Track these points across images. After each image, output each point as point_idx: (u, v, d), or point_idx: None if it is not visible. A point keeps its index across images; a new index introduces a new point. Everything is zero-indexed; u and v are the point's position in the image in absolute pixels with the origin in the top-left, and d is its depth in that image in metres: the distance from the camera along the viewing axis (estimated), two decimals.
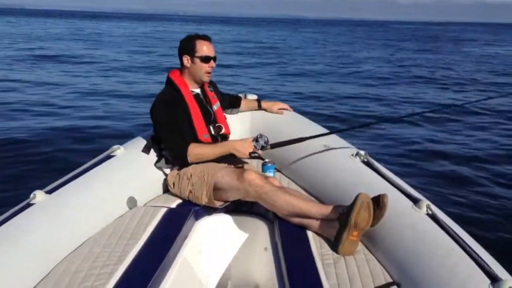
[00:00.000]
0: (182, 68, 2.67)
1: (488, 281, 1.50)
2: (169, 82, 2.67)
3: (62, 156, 5.00)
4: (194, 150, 2.51)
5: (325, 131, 2.97)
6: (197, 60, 2.59)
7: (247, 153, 2.50)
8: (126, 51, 19.67)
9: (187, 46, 2.60)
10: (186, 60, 2.61)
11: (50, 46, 19.93)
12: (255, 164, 2.99)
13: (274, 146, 2.58)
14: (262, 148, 2.52)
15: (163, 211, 2.34)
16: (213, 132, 2.68)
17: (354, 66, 15.94)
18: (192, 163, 2.55)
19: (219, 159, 2.58)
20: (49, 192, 2.15)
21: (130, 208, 2.40)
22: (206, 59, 2.59)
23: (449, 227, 1.81)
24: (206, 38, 2.63)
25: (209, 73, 2.65)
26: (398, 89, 10.85)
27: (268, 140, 2.54)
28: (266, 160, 2.80)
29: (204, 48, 2.58)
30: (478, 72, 14.76)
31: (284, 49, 24.24)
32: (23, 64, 13.70)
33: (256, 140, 2.52)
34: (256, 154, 2.50)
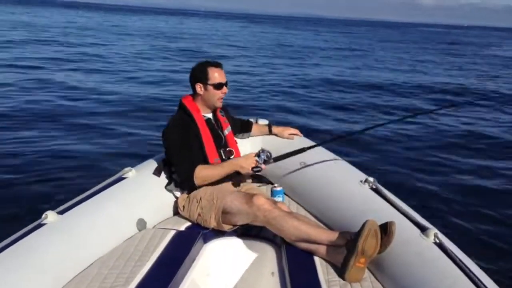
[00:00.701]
0: (194, 94, 2.72)
1: None
2: (182, 107, 2.73)
3: None
4: (200, 173, 2.54)
5: (334, 156, 2.99)
6: (210, 88, 2.64)
7: (250, 169, 2.52)
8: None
9: (199, 74, 2.65)
10: (199, 87, 2.66)
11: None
12: (265, 189, 3.02)
13: (277, 159, 2.60)
14: (265, 162, 2.53)
15: (172, 233, 2.36)
16: (223, 157, 2.72)
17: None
18: (201, 186, 2.58)
19: (227, 178, 2.61)
20: (61, 212, 2.19)
21: (140, 230, 2.42)
22: (219, 86, 2.64)
23: (456, 256, 1.80)
24: (217, 65, 2.68)
25: (221, 98, 2.70)
26: None
27: (270, 155, 2.55)
28: (275, 185, 2.83)
29: (216, 75, 2.63)
30: None
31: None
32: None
33: (258, 155, 2.54)
34: (259, 169, 2.51)
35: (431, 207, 4.45)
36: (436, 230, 1.98)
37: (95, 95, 9.61)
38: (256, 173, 2.53)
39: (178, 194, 2.70)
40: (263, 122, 3.39)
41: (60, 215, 2.17)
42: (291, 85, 12.53)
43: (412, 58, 22.72)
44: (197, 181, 2.54)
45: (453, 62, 21.63)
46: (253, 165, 2.51)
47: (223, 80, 2.66)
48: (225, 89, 2.67)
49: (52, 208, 2.22)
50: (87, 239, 2.15)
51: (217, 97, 2.67)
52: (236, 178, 2.63)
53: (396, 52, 25.88)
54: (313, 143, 3.22)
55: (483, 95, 12.10)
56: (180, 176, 2.62)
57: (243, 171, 2.55)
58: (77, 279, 1.94)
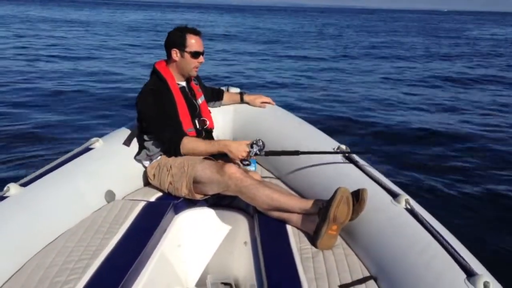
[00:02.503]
0: (168, 60, 2.63)
1: (464, 275, 1.50)
2: (155, 73, 2.63)
3: None
4: (188, 144, 2.48)
5: (307, 124, 2.97)
6: (186, 55, 2.55)
7: (239, 157, 2.43)
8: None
9: (177, 40, 2.55)
10: (175, 53, 2.56)
11: None
12: None
13: (269, 154, 2.47)
14: (256, 154, 2.42)
15: (141, 204, 2.31)
16: (197, 126, 2.66)
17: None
18: (174, 156, 2.53)
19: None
20: (24, 185, 2.11)
21: (108, 202, 2.36)
22: (196, 55, 2.56)
23: (427, 221, 1.81)
24: (196, 32, 2.58)
25: (197, 68, 2.61)
26: None
27: (263, 147, 2.44)
28: None
29: (194, 43, 2.54)
30: None
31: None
32: None
33: (251, 145, 2.42)
34: (246, 162, 2.45)
35: (403, 174, 4.51)
36: (407, 196, 1.99)
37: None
38: (243, 165, 2.45)
39: (147, 163, 2.64)
40: (235, 90, 3.32)
41: (23, 188, 2.08)
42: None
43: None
44: (183, 150, 2.49)
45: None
46: (244, 154, 2.42)
47: (201, 49, 2.57)
48: (201, 59, 2.59)
49: (15, 181, 2.13)
50: (52, 212, 2.07)
51: (193, 65, 2.58)
52: (220, 159, 2.56)
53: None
54: (285, 111, 3.19)
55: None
56: (165, 143, 2.54)
57: (230, 156, 2.46)
58: (42, 253, 1.88)
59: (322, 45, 20.27)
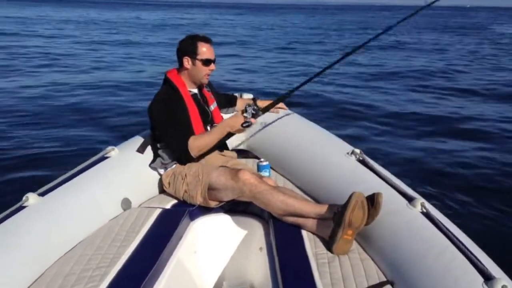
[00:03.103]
0: (180, 68, 2.66)
1: (481, 279, 1.49)
2: (167, 82, 2.66)
3: None
4: (195, 143, 2.49)
5: (321, 129, 2.97)
6: (198, 63, 2.57)
7: (239, 126, 2.45)
8: None
9: (188, 48, 2.57)
10: (187, 61, 2.59)
11: None
12: (251, 163, 2.99)
13: (265, 110, 2.56)
14: (253, 116, 2.46)
15: (157, 212, 2.33)
16: None
17: None
18: (188, 162, 2.54)
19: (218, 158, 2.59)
20: (42, 194, 2.14)
21: (125, 210, 2.39)
22: (207, 62, 2.58)
23: (443, 225, 1.80)
24: (207, 40, 2.60)
25: (208, 75, 2.63)
26: None
27: (258, 107, 2.48)
28: (262, 159, 2.80)
29: (205, 51, 2.56)
30: None
31: None
32: None
33: (245, 110, 2.46)
34: (248, 123, 2.44)
35: (418, 177, 4.47)
36: (423, 200, 1.97)
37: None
38: (247, 127, 2.46)
39: (162, 171, 2.66)
40: (248, 96, 3.34)
41: (41, 197, 2.11)
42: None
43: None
44: (193, 152, 2.50)
45: None
46: (242, 121, 2.44)
47: (212, 57, 2.59)
48: (212, 66, 2.61)
49: (33, 191, 2.16)
50: (70, 220, 2.10)
51: (204, 73, 2.60)
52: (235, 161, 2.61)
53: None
54: (299, 117, 3.19)
55: None
56: (175, 150, 2.57)
57: (233, 130, 2.49)
58: (60, 261, 1.91)
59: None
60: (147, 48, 16.67)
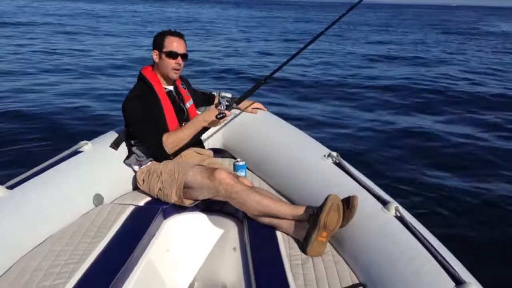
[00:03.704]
0: (153, 64, 2.63)
1: (452, 284, 1.51)
2: (141, 78, 2.62)
3: None
4: (169, 139, 2.47)
5: (298, 131, 2.97)
6: (164, 56, 2.55)
7: (214, 118, 2.45)
8: None
9: (157, 42, 2.57)
10: (155, 55, 2.58)
11: None
12: (227, 163, 2.97)
13: (239, 101, 2.61)
14: (227, 107, 2.47)
15: (130, 208, 2.29)
16: None
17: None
18: (164, 159, 2.51)
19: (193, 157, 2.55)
20: (10, 187, 2.07)
21: (96, 206, 2.34)
22: (171, 55, 2.54)
23: (416, 229, 1.82)
24: (176, 34, 2.59)
25: (176, 69, 2.59)
26: None
27: (231, 99, 2.50)
28: (238, 159, 2.79)
29: (171, 44, 2.54)
30: None
31: None
32: None
33: (219, 103, 2.48)
34: (223, 114, 2.44)
35: (393, 181, 4.53)
36: (397, 204, 1.99)
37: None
38: (221, 119, 2.46)
39: (136, 168, 2.62)
40: (226, 95, 3.31)
41: (9, 190, 2.05)
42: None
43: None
44: (168, 148, 2.47)
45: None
46: (216, 113, 2.44)
47: (179, 50, 2.56)
48: (179, 60, 2.57)
49: (1, 183, 2.09)
50: (39, 214, 2.04)
51: (170, 66, 2.57)
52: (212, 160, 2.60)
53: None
54: (277, 118, 3.19)
55: None
56: (150, 148, 2.54)
57: (208, 124, 2.49)
58: (28, 257, 1.85)
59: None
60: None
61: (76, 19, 26.96)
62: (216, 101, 3.13)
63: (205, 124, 2.49)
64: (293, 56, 2.81)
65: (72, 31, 19.60)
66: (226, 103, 2.47)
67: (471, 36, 26.46)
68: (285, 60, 2.84)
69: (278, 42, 18.99)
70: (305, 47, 2.85)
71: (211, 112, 2.47)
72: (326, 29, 2.96)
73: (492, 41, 23.40)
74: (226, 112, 2.46)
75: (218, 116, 2.43)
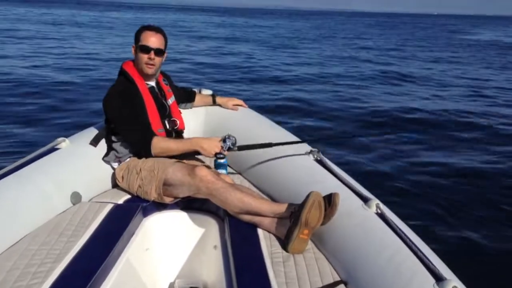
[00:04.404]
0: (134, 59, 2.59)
1: (432, 280, 1.52)
2: (123, 73, 2.57)
3: None
4: (159, 144, 2.42)
5: (279, 127, 2.97)
6: (138, 50, 2.52)
7: (213, 153, 2.39)
8: None
9: (135, 36, 2.55)
10: (133, 49, 2.56)
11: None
12: (208, 160, 2.94)
13: (241, 148, 2.47)
14: (229, 149, 2.40)
15: (109, 207, 2.25)
16: (167, 127, 2.61)
17: None
18: (146, 157, 2.47)
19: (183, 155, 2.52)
20: None
21: (74, 204, 2.29)
22: (144, 49, 2.50)
23: (397, 226, 1.83)
24: (153, 29, 2.55)
25: (149, 64, 2.53)
26: None
27: (235, 142, 2.42)
28: (219, 156, 2.76)
29: (145, 38, 2.50)
30: None
31: None
32: None
33: (224, 140, 2.40)
34: (221, 155, 2.40)
35: (373, 178, 4.57)
36: (377, 201, 2.00)
37: None
38: (218, 159, 2.42)
39: (116, 165, 2.57)
40: (207, 92, 3.29)
41: None
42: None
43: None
44: (154, 151, 2.43)
45: None
46: (217, 150, 2.38)
47: (152, 45, 2.50)
48: (151, 55, 2.50)
49: None
50: (14, 213, 1.99)
51: (143, 61, 2.51)
52: (188, 156, 2.52)
53: None
54: (257, 114, 3.18)
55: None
56: (135, 144, 2.49)
57: (203, 153, 2.42)
58: (3, 256, 1.80)
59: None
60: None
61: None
62: (199, 100, 3.12)
63: (200, 151, 2.42)
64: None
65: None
66: (230, 145, 2.38)
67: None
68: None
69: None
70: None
71: (212, 144, 2.39)
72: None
73: None
74: (225, 153, 2.41)
75: (217, 155, 2.40)
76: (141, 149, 2.47)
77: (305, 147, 2.64)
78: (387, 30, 40.77)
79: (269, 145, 2.49)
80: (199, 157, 2.91)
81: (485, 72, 13.89)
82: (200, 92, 3.27)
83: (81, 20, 32.81)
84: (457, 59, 17.41)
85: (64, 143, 2.51)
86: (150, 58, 2.50)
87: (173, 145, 2.45)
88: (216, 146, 2.39)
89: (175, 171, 2.30)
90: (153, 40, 2.51)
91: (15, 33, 19.48)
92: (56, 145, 2.50)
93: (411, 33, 36.58)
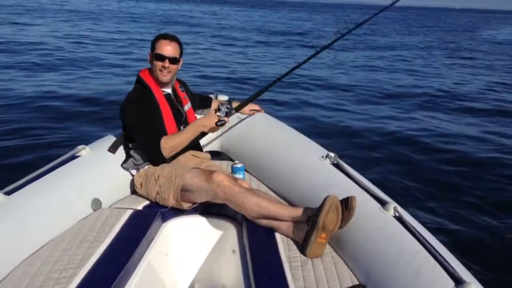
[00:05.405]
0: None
1: (452, 283, 1.51)
2: (139, 81, 2.62)
3: None
4: (167, 144, 2.47)
5: (296, 132, 2.97)
6: (153, 58, 2.56)
7: (215, 125, 2.47)
8: None
9: (152, 44, 2.59)
10: (149, 57, 2.60)
11: None
12: (225, 165, 2.97)
13: (238, 108, 2.62)
14: (227, 114, 2.49)
15: (128, 212, 2.28)
16: None
17: None
18: (161, 163, 2.50)
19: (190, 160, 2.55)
20: (8, 193, 2.07)
21: (94, 210, 2.33)
22: (158, 57, 2.54)
23: (415, 229, 1.82)
24: (168, 37, 2.59)
25: (164, 72, 2.57)
26: None
27: (230, 106, 2.52)
28: (236, 161, 2.79)
29: (161, 47, 2.55)
30: None
31: None
32: None
33: (218, 109, 2.50)
34: (222, 122, 2.46)
35: (391, 182, 4.53)
36: (395, 204, 1.99)
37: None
38: (221, 126, 2.48)
39: (134, 172, 2.61)
40: (223, 97, 3.32)
41: (7, 196, 2.04)
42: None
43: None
44: (166, 152, 2.47)
45: None
46: (216, 120, 2.45)
47: (167, 53, 2.54)
48: (166, 63, 2.54)
49: None
50: (37, 220, 2.04)
51: (158, 68, 2.56)
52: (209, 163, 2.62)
53: None
54: (274, 119, 3.19)
55: None
56: (147, 151, 2.53)
57: (207, 130, 2.51)
58: (26, 262, 1.84)
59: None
60: None
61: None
62: (215, 106, 3.14)
63: (204, 130, 2.50)
64: (300, 64, 2.79)
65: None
66: (226, 109, 2.48)
67: None
68: (293, 66, 2.82)
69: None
70: (316, 54, 2.83)
71: (210, 118, 2.47)
72: (343, 35, 2.90)
73: None
74: (226, 119, 2.46)
75: (218, 123, 2.44)
76: (153, 156, 2.51)
77: (322, 150, 2.64)
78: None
79: (261, 92, 2.67)
80: (216, 162, 2.94)
81: None
82: (216, 97, 3.30)
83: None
84: None
85: (84, 151, 2.56)
86: (164, 67, 2.55)
87: (179, 138, 2.51)
88: (214, 118, 2.47)
89: (193, 177, 2.32)
90: (168, 48, 2.55)
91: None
92: (77, 152, 2.55)
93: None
